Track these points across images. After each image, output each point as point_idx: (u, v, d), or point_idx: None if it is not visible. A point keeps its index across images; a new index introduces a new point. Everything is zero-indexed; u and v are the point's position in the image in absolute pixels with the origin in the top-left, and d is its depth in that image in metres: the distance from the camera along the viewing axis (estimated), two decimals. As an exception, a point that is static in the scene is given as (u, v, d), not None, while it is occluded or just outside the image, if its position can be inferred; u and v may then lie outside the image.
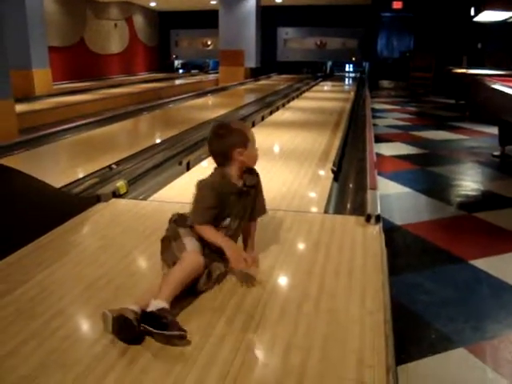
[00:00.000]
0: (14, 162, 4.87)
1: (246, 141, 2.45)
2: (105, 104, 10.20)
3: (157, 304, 1.93)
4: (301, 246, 2.95)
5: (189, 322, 1.99)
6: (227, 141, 2.43)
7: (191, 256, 2.22)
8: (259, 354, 1.88)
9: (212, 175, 2.46)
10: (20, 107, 7.74)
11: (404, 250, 3.68)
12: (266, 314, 2.10)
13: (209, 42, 21.69)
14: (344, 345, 1.88)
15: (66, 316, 2.10)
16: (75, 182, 4.09)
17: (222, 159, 2.45)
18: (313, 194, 4.01)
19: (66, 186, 3.92)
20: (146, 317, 1.89)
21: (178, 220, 2.44)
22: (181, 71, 22.43)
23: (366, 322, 2.04)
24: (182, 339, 1.85)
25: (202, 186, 2.40)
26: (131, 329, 1.85)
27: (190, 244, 2.30)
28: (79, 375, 1.70)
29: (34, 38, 10.77)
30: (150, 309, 1.92)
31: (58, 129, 6.66)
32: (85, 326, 2.12)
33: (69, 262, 2.64)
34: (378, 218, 3.16)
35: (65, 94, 11.08)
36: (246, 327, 2.00)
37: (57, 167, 5.24)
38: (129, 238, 2.96)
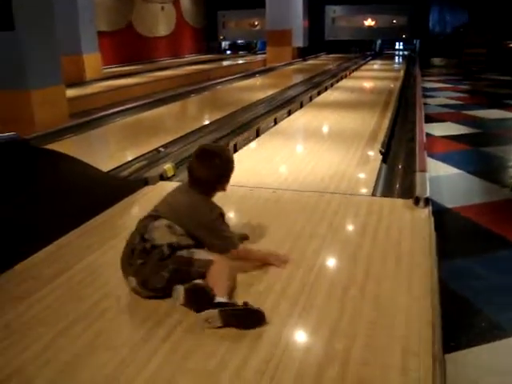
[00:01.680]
0: (64, 146, 4.98)
1: (232, 173, 2.39)
2: (153, 87, 10.29)
3: (222, 300, 1.94)
4: (347, 229, 2.91)
5: (233, 305, 2.00)
6: (220, 173, 2.31)
7: (222, 259, 2.17)
8: (303, 338, 1.87)
9: (206, 204, 2.30)
10: (71, 92, 7.90)
11: (454, 234, 3.57)
12: (311, 299, 2.09)
13: (256, 23, 21.45)
14: (389, 331, 1.85)
15: (113, 298, 2.16)
16: (123, 165, 4.17)
17: (207, 188, 2.31)
18: (360, 176, 3.94)
19: (114, 169, 4.00)
20: (218, 304, 1.90)
21: (171, 252, 2.12)
22: (228, 52, 22.38)
23: (412, 308, 1.99)
24: (261, 314, 1.88)
25: (217, 211, 2.28)
26: (205, 295, 1.93)
27: (206, 254, 2.18)
28: (125, 358, 1.74)
29: (84, 23, 10.98)
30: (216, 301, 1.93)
31: (106, 112, 6.79)
32: (131, 309, 2.15)
33: (116, 244, 2.69)
34: (427, 201, 3.08)
35: (114, 78, 11.24)
36: (291, 311, 2.00)
37: (105, 151, 5.35)
38: (175, 220, 2.98)
